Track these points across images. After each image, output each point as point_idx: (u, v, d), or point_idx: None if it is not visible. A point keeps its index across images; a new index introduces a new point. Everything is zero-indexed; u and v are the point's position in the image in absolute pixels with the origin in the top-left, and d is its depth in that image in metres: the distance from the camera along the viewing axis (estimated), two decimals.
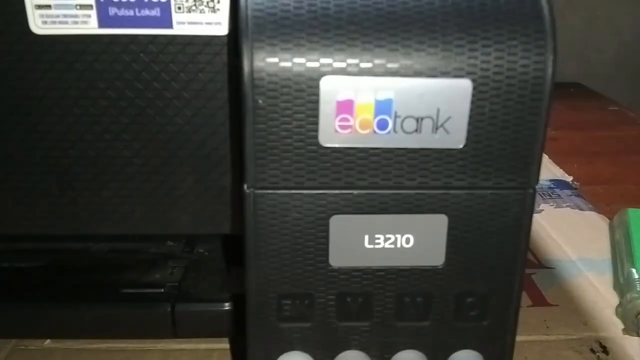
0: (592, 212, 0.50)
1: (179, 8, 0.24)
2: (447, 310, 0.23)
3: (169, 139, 0.26)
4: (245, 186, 0.22)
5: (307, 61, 0.20)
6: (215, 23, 0.24)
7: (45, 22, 0.24)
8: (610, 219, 0.48)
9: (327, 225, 0.22)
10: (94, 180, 0.26)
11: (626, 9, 0.99)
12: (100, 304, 0.31)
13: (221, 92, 0.25)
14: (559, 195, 0.53)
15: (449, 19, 0.21)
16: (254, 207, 0.22)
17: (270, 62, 0.20)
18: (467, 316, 0.23)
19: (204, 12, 0.24)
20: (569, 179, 0.57)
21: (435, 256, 0.23)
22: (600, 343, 0.35)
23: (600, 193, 0.56)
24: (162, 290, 0.32)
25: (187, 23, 0.24)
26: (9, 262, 0.35)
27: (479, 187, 0.22)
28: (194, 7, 0.24)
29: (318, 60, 0.20)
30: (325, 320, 0.23)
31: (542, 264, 0.43)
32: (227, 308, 0.30)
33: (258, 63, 0.20)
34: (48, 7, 0.24)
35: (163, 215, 0.27)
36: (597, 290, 0.40)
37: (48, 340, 0.36)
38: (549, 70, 0.21)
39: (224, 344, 0.35)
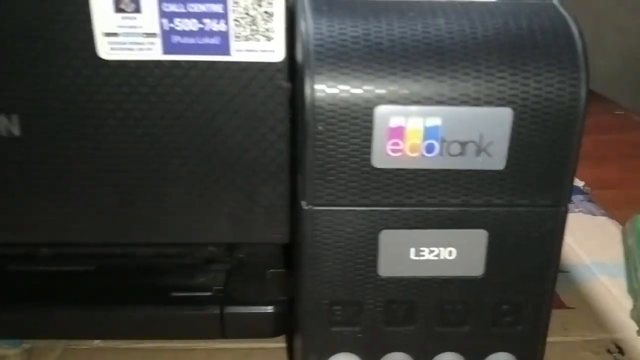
0: (604, 217, 0.52)
1: (237, 37, 0.26)
2: (485, 317, 0.25)
3: (223, 157, 0.28)
4: (303, 203, 0.24)
5: (363, 92, 0.22)
6: (270, 51, 0.26)
7: (113, 49, 0.26)
8: (621, 223, 0.50)
9: (377, 239, 0.24)
10: (153, 193, 0.28)
11: (632, 15, 1.01)
12: (151, 307, 0.33)
13: (273, 115, 0.27)
14: (572, 201, 0.55)
15: (492, 52, 0.23)
16: (312, 222, 0.24)
17: (330, 92, 0.22)
18: (503, 322, 0.25)
19: (260, 41, 0.26)
20: (580, 184, 0.59)
21: (475, 267, 0.25)
22: (616, 344, 0.37)
23: (609, 198, 0.58)
24: (210, 293, 0.34)
25: (244, 50, 0.26)
26: (59, 266, 0.37)
27: (516, 204, 0.24)
28: (250, 36, 0.26)
29: (373, 91, 0.22)
30: (373, 325, 0.25)
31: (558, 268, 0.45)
32: (270, 311, 0.33)
33: (319, 94, 0.22)
34: (115, 35, 0.26)
35: (215, 225, 0.29)
36: (611, 294, 0.42)
37: (97, 340, 0.38)
38: (582, 102, 0.22)
39: (263, 344, 0.37)
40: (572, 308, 0.41)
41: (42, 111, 0.27)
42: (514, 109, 0.22)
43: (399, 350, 0.26)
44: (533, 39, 0.23)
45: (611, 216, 0.53)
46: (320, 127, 0.22)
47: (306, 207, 0.24)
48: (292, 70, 0.27)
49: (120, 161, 0.28)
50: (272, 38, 0.26)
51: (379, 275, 0.25)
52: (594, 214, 0.52)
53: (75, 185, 0.28)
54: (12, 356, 0.37)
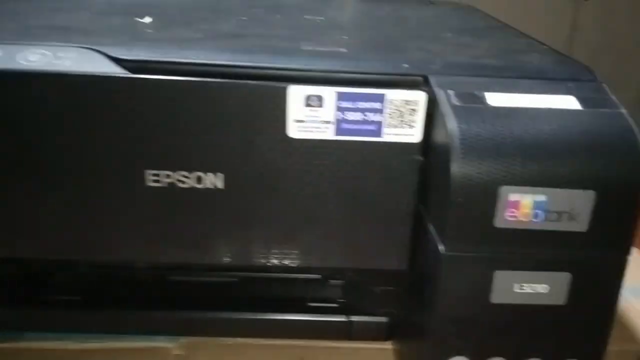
0: None
1: (388, 125, 0.35)
2: (565, 332, 0.35)
3: (368, 205, 0.37)
4: (442, 248, 0.33)
5: (491, 176, 0.32)
6: (410, 135, 0.35)
7: (299, 130, 0.35)
8: None
9: (492, 276, 0.34)
10: (314, 230, 0.38)
11: None
12: (293, 313, 0.43)
13: (407, 178, 0.37)
14: None
15: (581, 150, 0.32)
16: (447, 263, 0.33)
17: (468, 176, 0.32)
18: (577, 336, 0.35)
19: (404, 128, 0.35)
20: None
21: (560, 297, 0.34)
22: None
23: None
24: (336, 304, 0.43)
25: (392, 134, 0.35)
26: (207, 277, 0.47)
27: (593, 255, 0.33)
28: (398, 125, 0.35)
29: (499, 175, 0.32)
30: (481, 337, 0.35)
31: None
32: (385, 320, 0.42)
33: (461, 177, 0.31)
34: (302, 121, 0.35)
35: (357, 254, 0.39)
36: (639, 313, 0.52)
37: (238, 338, 0.47)
38: None
39: (367, 344, 0.47)
40: None
41: (242, 172, 0.37)
42: (596, 191, 0.32)
43: (499, 356, 0.36)
44: (609, 141, 0.32)
45: (636, 246, 0.62)
46: (459, 199, 0.32)
47: (443, 252, 0.33)
48: (425, 148, 0.36)
49: (295, 206, 0.37)
50: (414, 126, 0.35)
51: (490, 302, 0.34)
52: None
53: (259, 223, 0.38)
54: (173, 348, 0.47)
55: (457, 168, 0.32)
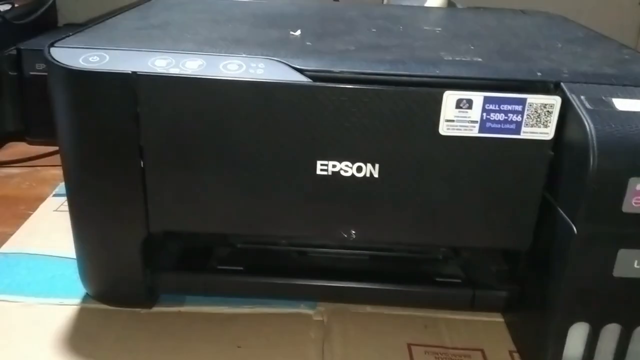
0: None
1: (526, 124, 0.42)
2: None
3: (499, 191, 0.44)
4: (575, 230, 0.39)
5: (622, 169, 0.38)
6: (545, 133, 0.42)
7: (449, 129, 0.42)
8: None
9: (615, 254, 0.40)
10: (448, 216, 0.45)
11: None
12: (423, 286, 0.50)
13: (537, 168, 0.43)
14: None
15: None
16: (579, 242, 0.40)
17: (603, 168, 0.38)
18: None
19: (540, 127, 0.42)
20: None
21: None
22: None
23: None
24: (460, 280, 0.50)
25: (529, 132, 0.42)
26: (344, 256, 0.54)
27: None
28: (534, 124, 0.42)
29: (628, 168, 0.38)
30: (601, 306, 0.41)
31: None
32: (505, 294, 0.49)
33: (599, 169, 0.38)
34: (452, 121, 0.42)
35: (487, 235, 0.45)
36: None
37: (368, 307, 0.54)
38: None
39: (480, 317, 0.53)
40: None
41: (395, 163, 0.43)
42: None
43: (614, 322, 0.42)
44: None
45: None
46: (595, 188, 0.38)
47: (576, 233, 0.40)
48: (555, 143, 0.42)
49: (439, 193, 0.44)
50: (548, 126, 0.42)
51: (612, 276, 0.40)
52: None
53: (406, 208, 0.45)
54: (313, 315, 0.54)
55: (594, 162, 0.38)
